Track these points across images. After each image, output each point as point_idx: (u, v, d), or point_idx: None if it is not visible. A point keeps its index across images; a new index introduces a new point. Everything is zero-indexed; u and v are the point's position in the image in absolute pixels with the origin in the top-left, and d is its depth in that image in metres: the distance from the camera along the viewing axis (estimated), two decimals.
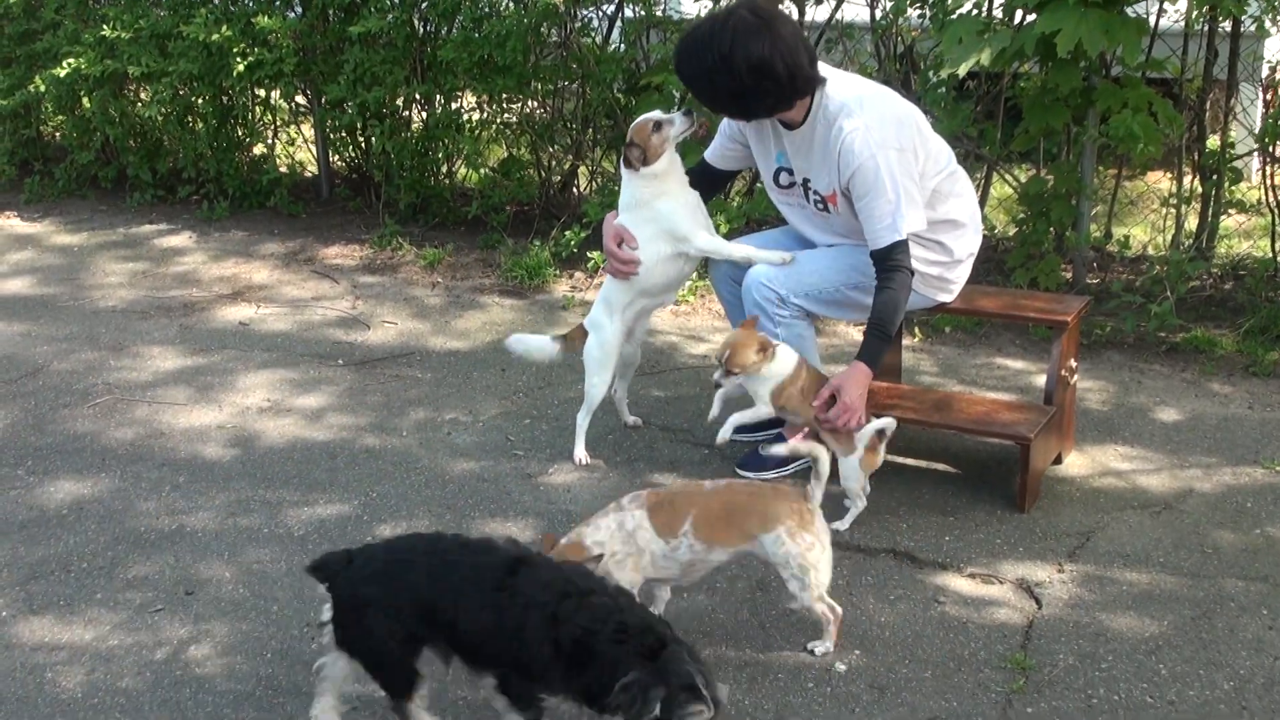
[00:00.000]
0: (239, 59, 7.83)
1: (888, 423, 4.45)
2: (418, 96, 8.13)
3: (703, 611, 4.05)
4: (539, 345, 5.13)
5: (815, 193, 4.65)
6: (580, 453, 5.06)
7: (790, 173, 4.74)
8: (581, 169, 8.33)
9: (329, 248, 7.97)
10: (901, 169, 4.43)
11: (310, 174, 9.37)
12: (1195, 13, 6.59)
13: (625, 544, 3.70)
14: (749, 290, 4.72)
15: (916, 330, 6.29)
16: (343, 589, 3.36)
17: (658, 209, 4.76)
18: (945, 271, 4.73)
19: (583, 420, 5.07)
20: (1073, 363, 4.84)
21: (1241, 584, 4.12)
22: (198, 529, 4.64)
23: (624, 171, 4.80)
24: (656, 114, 4.76)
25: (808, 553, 3.68)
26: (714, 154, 5.02)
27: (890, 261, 4.45)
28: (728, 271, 4.96)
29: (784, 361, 4.54)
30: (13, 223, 8.82)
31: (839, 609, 3.81)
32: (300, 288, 7.32)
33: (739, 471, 4.91)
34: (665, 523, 3.73)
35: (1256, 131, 6.81)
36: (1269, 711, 3.50)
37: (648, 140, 4.70)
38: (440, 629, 3.28)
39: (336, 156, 9.07)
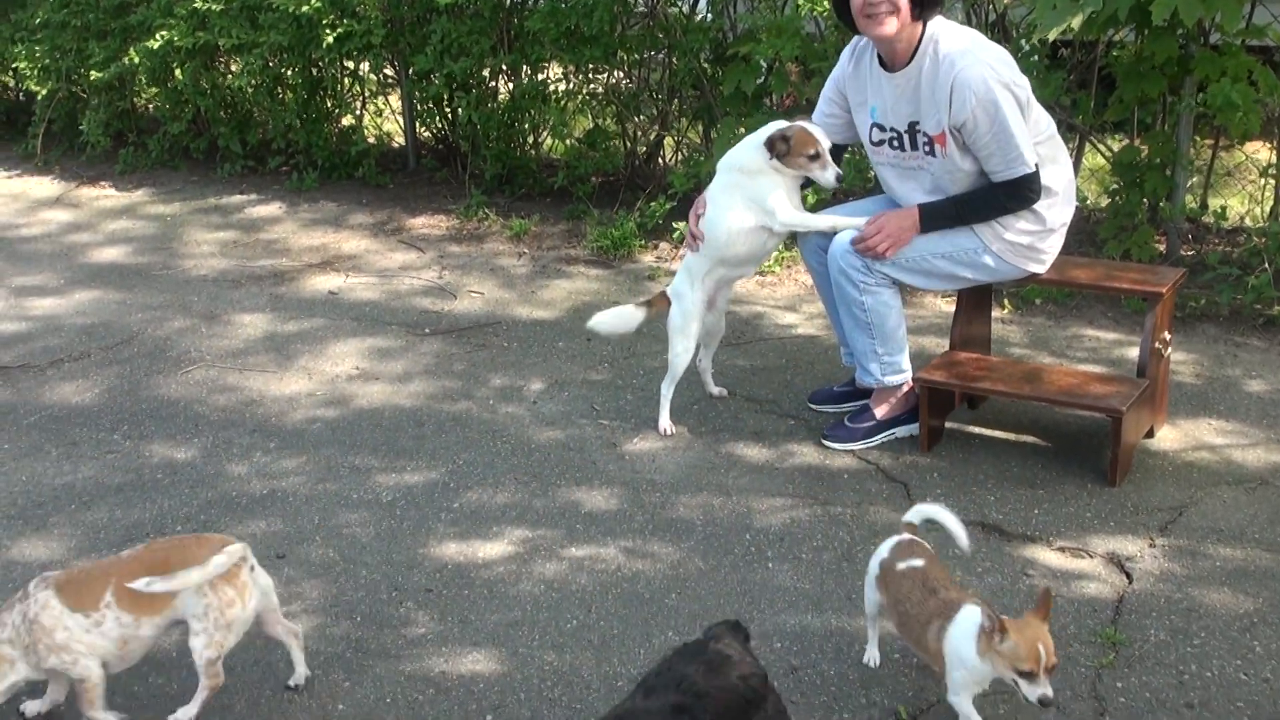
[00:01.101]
0: (328, 30, 7.91)
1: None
2: (504, 67, 8.16)
3: (787, 579, 4.03)
4: (623, 315, 5.11)
5: (923, 134, 4.58)
6: (665, 422, 5.06)
7: (883, 128, 4.69)
8: (667, 140, 8.32)
9: (416, 218, 8.03)
10: (1019, 109, 4.44)
11: (397, 145, 9.45)
12: None
13: (25, 634, 3.29)
14: (834, 258, 4.69)
15: (1006, 302, 6.21)
16: None
17: (757, 182, 4.73)
18: (1037, 241, 4.66)
19: (667, 390, 5.07)
20: (1166, 335, 4.75)
21: None
22: (288, 493, 4.70)
23: (756, 144, 4.73)
24: (824, 145, 4.67)
25: (227, 609, 3.36)
26: (818, 119, 4.94)
27: (1019, 188, 4.52)
28: (816, 241, 4.93)
29: None
30: (108, 193, 8.99)
31: (222, 680, 3.44)
32: (388, 258, 7.38)
33: (825, 443, 4.89)
34: (80, 598, 3.32)
35: None
36: None
37: (799, 156, 4.67)
38: None
39: (423, 128, 9.14)
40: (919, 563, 3.44)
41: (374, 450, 5.02)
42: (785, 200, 4.74)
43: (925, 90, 4.48)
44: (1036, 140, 4.52)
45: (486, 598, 4.01)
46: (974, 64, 4.38)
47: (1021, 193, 4.52)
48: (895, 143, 4.67)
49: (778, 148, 4.65)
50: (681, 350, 5.00)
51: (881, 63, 4.62)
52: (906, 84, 4.54)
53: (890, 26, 4.40)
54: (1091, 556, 4.13)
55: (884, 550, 3.54)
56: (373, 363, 5.87)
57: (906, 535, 3.56)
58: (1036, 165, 4.48)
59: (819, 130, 4.69)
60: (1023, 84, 4.47)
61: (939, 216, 4.63)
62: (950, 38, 4.47)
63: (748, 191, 4.75)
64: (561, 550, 4.27)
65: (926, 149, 4.59)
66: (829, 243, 4.78)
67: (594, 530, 4.39)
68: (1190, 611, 3.81)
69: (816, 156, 4.64)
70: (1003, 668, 3.08)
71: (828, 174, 4.66)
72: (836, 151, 4.85)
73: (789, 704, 3.44)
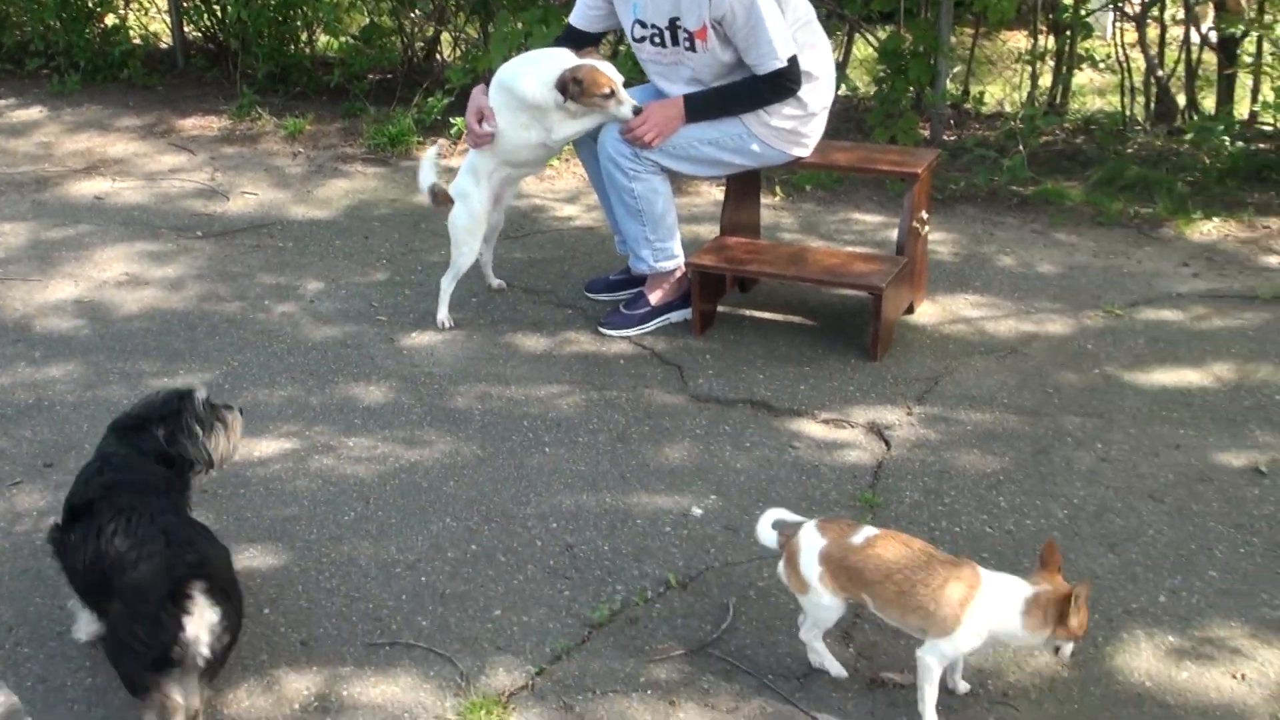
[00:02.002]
0: None
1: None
2: None
3: (563, 463, 4.13)
4: (425, 170, 5.07)
5: (684, 30, 4.64)
6: (443, 315, 5.08)
7: (644, 24, 4.73)
8: (445, 35, 8.22)
9: (186, 120, 7.80)
10: (775, 2, 4.52)
11: (165, 45, 9.12)
12: None
13: None
14: (603, 147, 4.74)
15: (777, 189, 6.37)
16: None
17: (547, 115, 4.73)
18: (800, 125, 4.78)
19: (447, 285, 5.07)
20: (924, 214, 4.95)
21: (1079, 420, 4.30)
22: (56, 402, 4.59)
23: (546, 83, 4.65)
24: (617, 81, 4.65)
25: None
26: (579, 17, 4.98)
27: (778, 79, 4.61)
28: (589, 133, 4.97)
29: None
30: None
31: None
32: (157, 161, 7.17)
33: (601, 330, 4.97)
34: None
35: None
36: (1099, 537, 3.68)
37: (593, 97, 4.63)
38: None
39: (191, 26, 8.84)
40: (874, 530, 3.08)
41: (145, 355, 4.92)
42: (561, 118, 4.75)
43: None
44: (794, 27, 4.62)
45: (264, 495, 4.00)
46: None
47: (780, 84, 4.64)
48: (657, 39, 4.72)
49: (570, 90, 4.62)
50: (467, 250, 5.00)
51: None
52: None
53: None
54: (853, 427, 4.32)
55: (812, 540, 3.08)
56: (142, 267, 5.73)
57: (811, 521, 3.13)
58: (793, 59, 4.59)
59: (608, 66, 4.69)
60: None
61: (704, 106, 4.72)
62: None
63: (530, 114, 4.74)
64: (339, 445, 4.28)
65: (687, 44, 4.66)
66: (599, 133, 4.83)
67: (371, 424, 4.41)
68: (942, 473, 4.03)
69: (611, 94, 4.64)
70: (1060, 638, 2.92)
71: (624, 109, 4.66)
72: (596, 39, 4.89)
73: (564, 580, 3.56)
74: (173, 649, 2.80)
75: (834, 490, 3.96)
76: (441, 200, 5.03)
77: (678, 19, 4.63)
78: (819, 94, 4.81)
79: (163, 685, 2.87)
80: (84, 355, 4.93)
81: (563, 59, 4.68)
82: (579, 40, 5.00)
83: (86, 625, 3.29)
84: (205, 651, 2.84)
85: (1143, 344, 4.80)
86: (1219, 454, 4.09)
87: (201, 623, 2.83)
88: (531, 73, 4.72)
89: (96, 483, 3.16)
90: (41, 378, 4.76)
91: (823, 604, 3.08)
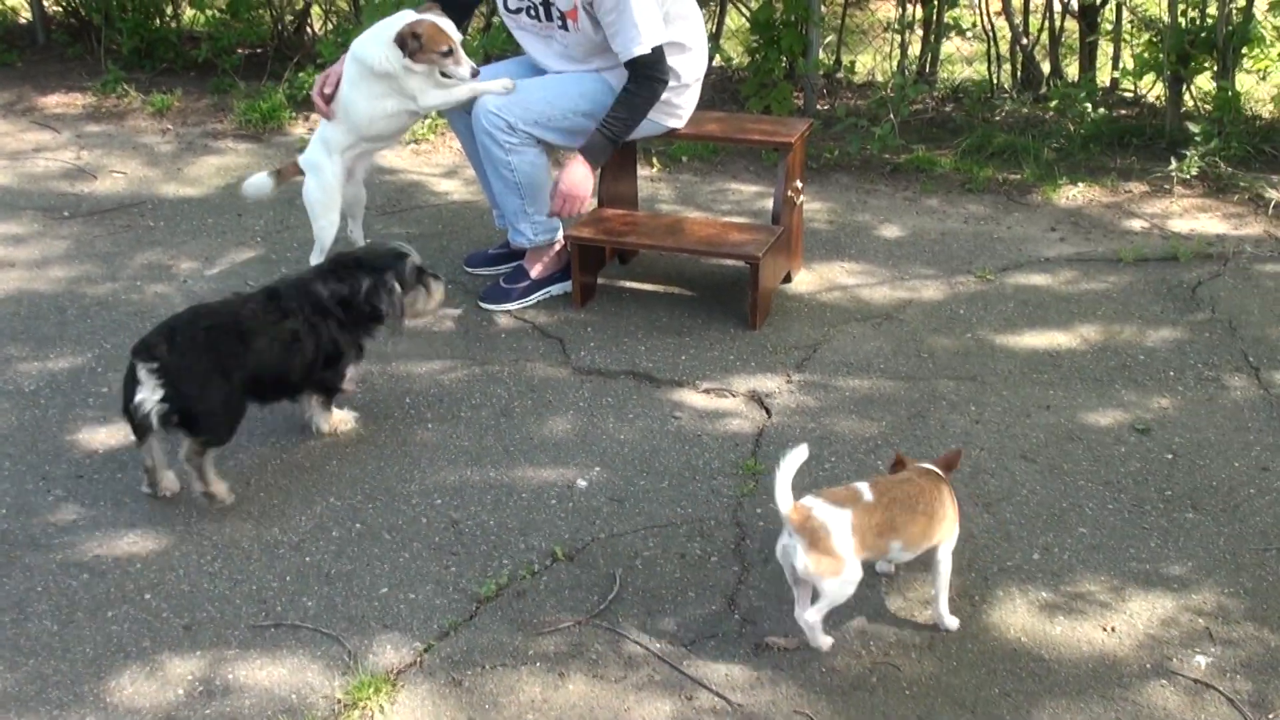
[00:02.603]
0: None
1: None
2: None
3: (446, 439, 4.12)
4: (257, 183, 5.02)
5: (556, 8, 4.63)
6: None
7: None
8: (315, 8, 8.09)
9: (48, 97, 7.58)
10: None
11: (25, 21, 8.85)
12: None
13: None
14: (477, 119, 4.72)
15: (654, 160, 6.39)
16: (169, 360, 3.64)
17: (397, 78, 4.68)
18: (674, 96, 4.80)
19: (315, 260, 5.01)
20: (798, 183, 5.01)
21: (953, 384, 4.40)
22: None
23: (387, 40, 4.60)
24: (456, 39, 4.59)
25: None
26: None
27: (643, 71, 4.56)
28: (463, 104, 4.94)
29: None
30: None
31: None
32: (18, 139, 6.97)
33: (481, 305, 4.97)
34: None
35: None
36: (975, 497, 3.78)
37: (432, 53, 4.58)
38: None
39: (50, 0, 8.59)
40: (864, 485, 3.20)
41: (13, 339, 4.80)
42: (425, 84, 4.71)
43: None
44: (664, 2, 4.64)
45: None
46: None
47: (649, 80, 4.58)
48: (531, 12, 4.71)
49: (409, 45, 4.56)
50: (326, 224, 4.94)
51: None
52: None
53: None
54: (734, 396, 4.37)
55: (837, 517, 3.08)
56: (6, 250, 5.58)
57: (814, 500, 3.14)
58: (658, 49, 4.54)
59: (449, 23, 4.62)
60: None
61: (600, 150, 4.65)
62: None
63: (388, 82, 4.70)
64: None
65: (560, 23, 4.65)
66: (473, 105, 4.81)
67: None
68: (823, 439, 4.10)
69: (450, 53, 4.59)
70: None
71: (462, 69, 4.62)
72: (467, 8, 4.90)
73: (450, 556, 3.56)
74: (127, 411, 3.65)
75: (716, 459, 4.01)
76: (288, 175, 4.97)
77: None
78: (692, 65, 4.84)
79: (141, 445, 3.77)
80: None
81: (407, 18, 4.65)
82: (451, 6, 4.95)
83: None
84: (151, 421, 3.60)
85: (1013, 308, 4.92)
86: (1087, 414, 4.22)
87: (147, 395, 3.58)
88: (378, 34, 4.68)
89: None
90: None
91: (853, 578, 3.11)
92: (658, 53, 4.55)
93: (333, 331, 3.94)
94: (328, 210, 4.92)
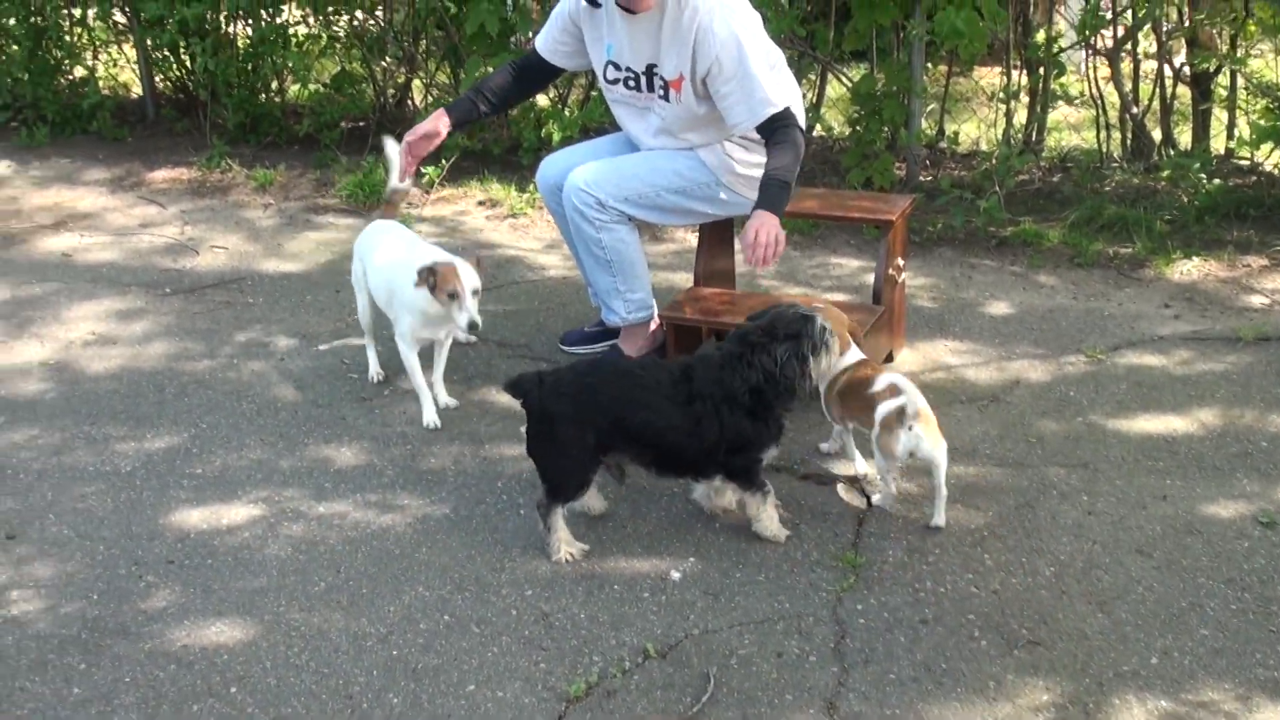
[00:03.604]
0: None
1: (905, 401, 3.85)
2: (240, 11, 7.86)
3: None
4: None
5: (660, 78, 4.57)
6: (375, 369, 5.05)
7: (618, 66, 4.67)
8: (415, 82, 8.16)
9: (156, 172, 7.72)
10: (760, 48, 4.44)
11: (136, 95, 9.05)
12: None
13: None
14: (568, 196, 4.66)
15: None
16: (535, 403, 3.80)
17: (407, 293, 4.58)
18: None
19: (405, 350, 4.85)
20: (900, 261, 4.89)
21: (1063, 471, 4.23)
22: (19, 469, 4.49)
23: (411, 267, 4.48)
24: (465, 287, 4.39)
25: None
26: (545, 44, 4.86)
27: (778, 126, 4.41)
28: (553, 180, 4.89)
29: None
30: None
31: None
32: (126, 214, 7.09)
33: None
34: None
35: (1077, 24, 6.91)
36: (1087, 595, 3.61)
37: (441, 293, 4.41)
38: (630, 439, 3.81)
39: (160, 77, 8.77)
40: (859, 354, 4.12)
41: (112, 418, 4.83)
42: (409, 325, 4.63)
43: (667, 35, 4.47)
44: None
45: (231, 565, 3.90)
46: (711, 9, 4.37)
47: (790, 125, 4.42)
48: (631, 83, 4.66)
49: (427, 280, 4.43)
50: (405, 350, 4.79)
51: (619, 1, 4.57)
52: (649, 26, 4.51)
53: None
54: (833, 482, 4.24)
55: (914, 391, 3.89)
56: (110, 326, 5.64)
57: (891, 377, 3.96)
58: (788, 107, 4.45)
59: (468, 270, 4.43)
60: (756, 20, 4.49)
61: (779, 197, 4.36)
62: None
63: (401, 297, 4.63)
64: (309, 510, 4.19)
65: (661, 93, 4.59)
66: (564, 180, 4.75)
67: (343, 487, 4.31)
68: (925, 529, 3.95)
69: (455, 296, 4.40)
70: None
71: (461, 318, 4.40)
72: (552, 74, 4.94)
73: (540, 651, 3.46)
74: None
75: (815, 550, 3.87)
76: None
77: (655, 66, 4.57)
78: None
79: None
80: (50, 419, 4.83)
81: (442, 256, 4.52)
82: (534, 72, 4.90)
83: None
84: None
85: (1125, 389, 4.74)
86: (1207, 505, 4.02)
87: None
88: (406, 257, 4.62)
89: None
90: (5, 443, 4.66)
91: None
92: (787, 109, 4.45)
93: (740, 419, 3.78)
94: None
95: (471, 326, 4.41)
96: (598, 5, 4.59)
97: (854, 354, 4.11)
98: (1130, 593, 3.62)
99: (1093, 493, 4.10)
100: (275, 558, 3.94)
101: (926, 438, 3.82)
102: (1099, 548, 3.82)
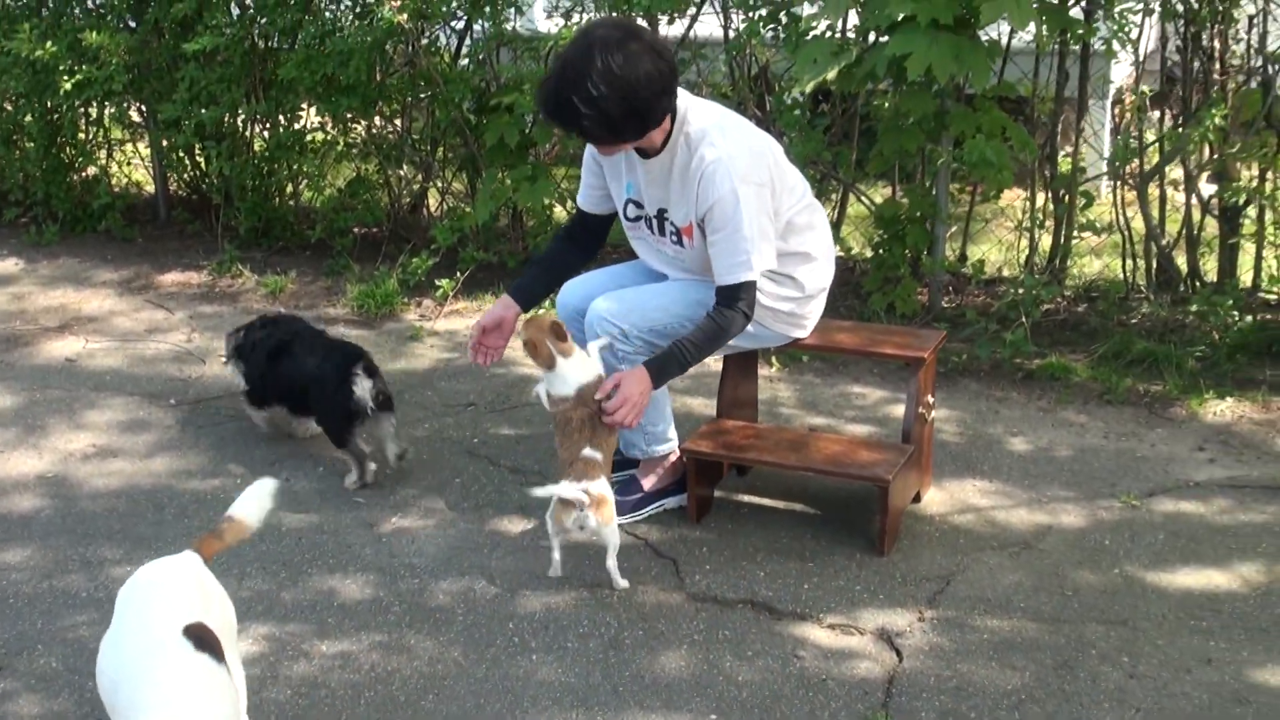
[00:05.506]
0: (65, 76, 7.43)
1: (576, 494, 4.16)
2: (258, 116, 7.80)
3: (551, 673, 3.85)
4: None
5: (671, 224, 4.47)
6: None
7: (639, 205, 4.55)
8: (431, 190, 8.07)
9: (165, 275, 7.60)
10: (759, 205, 4.27)
11: (148, 194, 8.96)
12: (1046, 36, 6.56)
13: None
14: (591, 326, 4.52)
15: (774, 361, 6.15)
16: None
17: None
18: (797, 307, 4.59)
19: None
20: (930, 399, 4.74)
21: (1102, 629, 4.03)
22: (9, 593, 4.31)
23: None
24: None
25: None
26: (585, 199, 4.75)
27: (733, 299, 4.29)
28: (574, 306, 4.75)
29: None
30: None
31: None
32: (133, 319, 6.95)
33: None
34: None
35: (1106, 154, 6.82)
36: None
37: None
38: None
39: (174, 177, 8.68)
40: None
41: (109, 539, 4.65)
42: None
43: (676, 180, 4.35)
44: (794, 210, 4.44)
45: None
46: (716, 158, 4.22)
47: (742, 308, 4.29)
48: (648, 225, 4.55)
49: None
50: None
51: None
52: (660, 170, 4.39)
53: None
54: (862, 633, 4.05)
55: None
56: (111, 438, 5.48)
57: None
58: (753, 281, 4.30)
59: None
60: (764, 170, 4.31)
61: (667, 371, 4.34)
62: (698, 117, 4.32)
63: None
64: (312, 649, 4.00)
65: (674, 239, 4.47)
66: (586, 307, 4.62)
67: (347, 624, 4.13)
68: (959, 690, 3.75)
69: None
70: None
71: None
72: (606, 222, 4.78)
73: None
74: None
75: (844, 710, 3.68)
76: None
77: (665, 211, 4.45)
78: (817, 275, 4.62)
79: None
80: (43, 539, 4.66)
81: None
82: (590, 227, 4.78)
83: None
84: None
85: (1163, 540, 4.55)
86: (1255, 670, 3.82)
87: None
88: None
89: None
90: None
91: None
92: (754, 285, 4.31)
93: None
94: None
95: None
96: None
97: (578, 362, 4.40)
98: None
99: (1134, 654, 3.91)
100: (274, 700, 3.75)
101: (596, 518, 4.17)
102: (1143, 716, 3.63)
